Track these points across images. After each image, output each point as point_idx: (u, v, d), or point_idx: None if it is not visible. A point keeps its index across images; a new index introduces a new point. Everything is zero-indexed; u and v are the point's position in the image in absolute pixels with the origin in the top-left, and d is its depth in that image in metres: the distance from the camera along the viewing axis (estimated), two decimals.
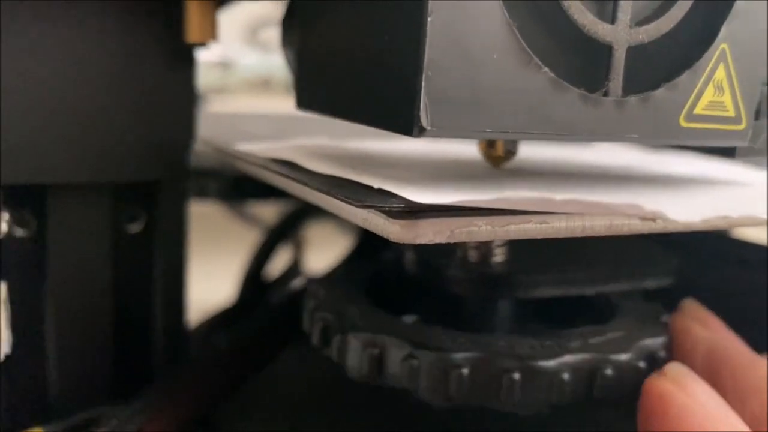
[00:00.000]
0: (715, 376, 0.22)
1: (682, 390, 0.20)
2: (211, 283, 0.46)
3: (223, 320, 0.40)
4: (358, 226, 0.41)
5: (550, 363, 0.20)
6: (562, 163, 0.28)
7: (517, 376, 0.20)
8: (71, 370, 0.27)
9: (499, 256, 0.25)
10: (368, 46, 0.19)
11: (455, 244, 0.25)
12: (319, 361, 0.25)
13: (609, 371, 0.21)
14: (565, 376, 0.20)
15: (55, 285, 0.26)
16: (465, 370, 0.20)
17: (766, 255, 0.34)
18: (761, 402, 0.20)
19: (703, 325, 0.24)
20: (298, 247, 0.49)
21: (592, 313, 0.26)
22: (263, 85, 0.59)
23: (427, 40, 0.17)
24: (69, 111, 0.24)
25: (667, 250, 0.27)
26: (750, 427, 0.20)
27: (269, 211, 0.47)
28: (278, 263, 0.45)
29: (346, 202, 0.18)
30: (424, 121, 0.17)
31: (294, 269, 0.47)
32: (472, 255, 0.25)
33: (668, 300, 0.26)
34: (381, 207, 0.18)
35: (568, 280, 0.24)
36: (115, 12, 0.24)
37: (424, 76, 0.17)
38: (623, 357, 0.21)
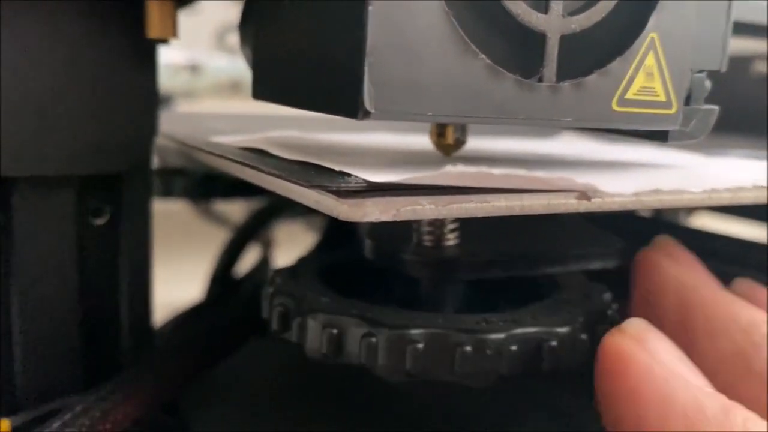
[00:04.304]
0: (685, 313, 0.21)
1: (643, 348, 0.19)
2: (179, 284, 0.46)
3: (190, 318, 0.40)
4: (323, 223, 0.42)
5: (500, 336, 0.22)
6: (514, 151, 0.30)
7: (469, 348, 0.21)
8: (37, 363, 0.28)
9: (451, 240, 0.26)
10: (316, 36, 0.20)
11: (410, 230, 0.26)
12: (282, 350, 0.26)
13: (554, 343, 0.22)
14: (513, 347, 0.22)
15: (21, 277, 0.27)
16: (420, 345, 0.22)
17: (720, 245, 0.35)
18: (730, 340, 0.19)
19: (674, 261, 0.23)
20: (267, 246, 0.49)
21: (542, 293, 0.27)
22: (232, 88, 0.60)
23: (369, 27, 0.18)
24: (31, 105, 0.25)
25: (613, 234, 0.28)
26: (718, 365, 0.19)
27: (237, 211, 0.48)
28: (247, 262, 0.46)
29: (297, 184, 0.19)
30: (368, 105, 0.18)
31: (262, 268, 0.48)
32: (427, 240, 0.26)
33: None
34: (329, 187, 0.19)
35: (517, 262, 0.25)
36: (76, 7, 0.25)
37: (366, 61, 0.18)
38: (566, 329, 0.22)
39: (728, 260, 0.33)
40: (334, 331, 0.23)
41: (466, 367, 0.22)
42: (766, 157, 0.30)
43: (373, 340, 0.22)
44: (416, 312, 0.23)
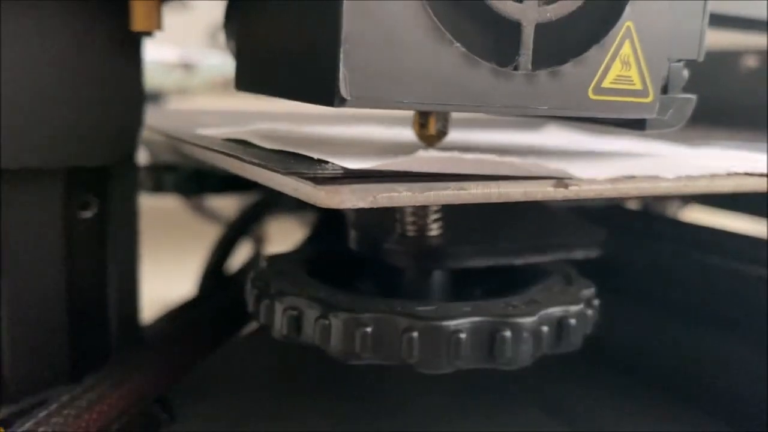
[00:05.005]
0: None
1: None
2: (172, 279, 0.46)
3: (182, 313, 0.41)
4: (313, 218, 0.43)
5: (448, 323, 0.22)
6: (496, 142, 0.30)
7: (415, 334, 0.22)
8: (25, 355, 0.28)
9: (434, 230, 0.26)
10: (294, 27, 0.20)
11: (394, 220, 0.26)
12: (271, 344, 0.27)
13: (507, 333, 0.22)
14: (462, 336, 0.22)
15: (8, 270, 0.27)
16: (369, 329, 0.22)
17: (702, 235, 0.35)
18: None
19: None
20: (259, 242, 0.49)
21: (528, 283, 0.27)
22: (224, 85, 0.60)
23: (344, 15, 0.18)
24: (18, 98, 0.25)
25: (595, 224, 0.28)
26: None
27: (229, 207, 0.48)
28: (239, 258, 0.46)
29: (275, 172, 0.20)
30: (344, 92, 0.18)
31: (255, 263, 0.48)
32: (410, 230, 0.26)
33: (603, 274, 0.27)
34: (306, 174, 0.19)
35: (499, 252, 0.26)
36: (61, 2, 0.25)
37: (342, 49, 0.18)
38: (523, 320, 0.22)
39: (722, 253, 0.34)
40: (294, 313, 0.23)
41: (413, 353, 0.22)
42: (748, 147, 0.31)
43: (326, 322, 0.23)
44: (375, 298, 0.24)
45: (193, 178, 0.41)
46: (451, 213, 0.26)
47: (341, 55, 0.18)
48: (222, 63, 0.61)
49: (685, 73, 0.23)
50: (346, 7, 0.18)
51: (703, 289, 0.34)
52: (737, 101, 0.45)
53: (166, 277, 0.45)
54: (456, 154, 0.18)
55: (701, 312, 0.34)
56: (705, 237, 0.36)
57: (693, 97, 0.23)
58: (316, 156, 0.20)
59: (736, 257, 0.33)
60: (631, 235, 0.37)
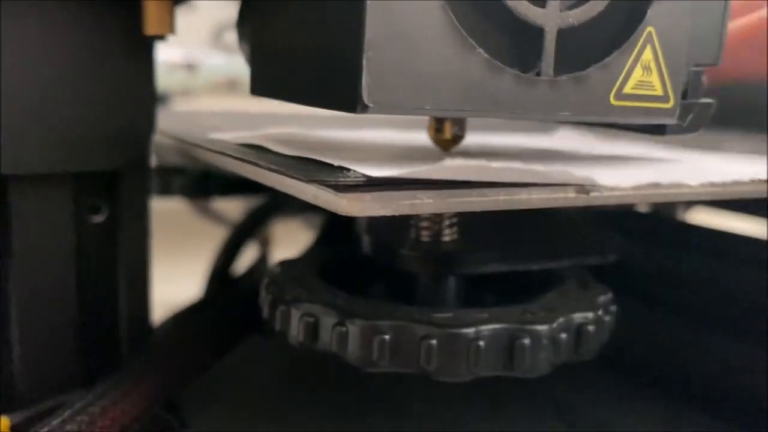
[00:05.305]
0: None
1: None
2: (178, 282, 0.46)
3: (189, 316, 0.40)
4: (321, 220, 0.42)
5: (467, 331, 0.22)
6: (512, 147, 0.30)
7: (434, 342, 0.21)
8: (36, 360, 0.28)
9: (449, 235, 0.26)
10: (314, 32, 0.20)
11: (408, 225, 0.26)
12: (281, 348, 0.26)
13: (526, 341, 0.22)
14: (481, 343, 0.21)
15: (19, 275, 0.27)
16: (387, 337, 0.22)
17: (721, 242, 0.35)
18: None
19: None
20: (265, 244, 0.49)
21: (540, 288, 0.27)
22: (229, 86, 0.60)
23: (367, 21, 0.18)
24: (29, 102, 0.25)
25: (611, 231, 0.28)
26: None
27: (235, 209, 0.48)
28: (245, 260, 0.46)
29: (295, 179, 0.19)
30: (366, 99, 0.18)
31: (261, 266, 0.48)
32: (424, 235, 0.26)
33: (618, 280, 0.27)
34: (327, 182, 0.19)
35: (514, 257, 0.25)
36: (74, 4, 0.25)
37: (365, 56, 0.18)
38: (542, 328, 0.22)
39: (724, 255, 0.34)
40: (311, 320, 0.23)
41: (431, 361, 0.22)
42: (762, 151, 0.31)
43: (344, 329, 0.22)
44: (392, 304, 0.23)
45: (201, 180, 0.41)
46: (466, 218, 0.26)
47: (364, 62, 0.18)
48: (225, 63, 0.61)
49: (705, 78, 0.23)
50: (370, 13, 0.18)
51: (704, 290, 0.34)
52: (742, 103, 0.45)
53: (171, 279, 0.45)
54: (483, 163, 0.18)
55: (703, 313, 0.34)
56: (707, 239, 0.36)
57: (712, 101, 0.23)
58: (336, 163, 0.20)
59: (737, 258, 0.33)
60: (632, 237, 0.37)
